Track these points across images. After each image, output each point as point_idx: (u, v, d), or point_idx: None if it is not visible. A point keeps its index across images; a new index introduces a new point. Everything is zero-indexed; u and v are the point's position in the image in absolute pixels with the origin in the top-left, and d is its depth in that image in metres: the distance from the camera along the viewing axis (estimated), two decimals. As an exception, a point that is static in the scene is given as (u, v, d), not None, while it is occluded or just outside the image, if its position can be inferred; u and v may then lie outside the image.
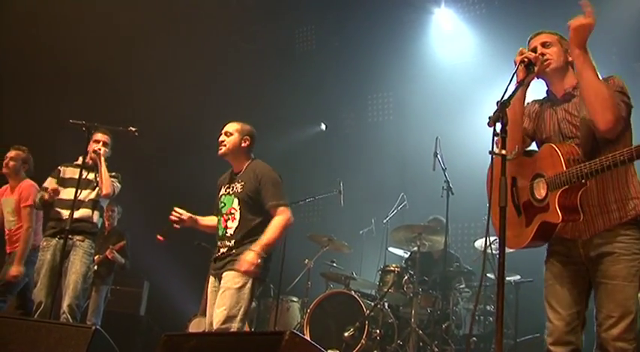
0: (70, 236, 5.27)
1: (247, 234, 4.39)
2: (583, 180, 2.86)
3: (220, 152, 4.58)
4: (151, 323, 8.55)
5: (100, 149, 5.58)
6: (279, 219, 4.36)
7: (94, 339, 3.24)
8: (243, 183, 4.49)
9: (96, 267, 6.92)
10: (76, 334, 3.32)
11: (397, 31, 9.55)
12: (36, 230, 6.17)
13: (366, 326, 6.33)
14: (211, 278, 4.53)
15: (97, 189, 5.59)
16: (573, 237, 3.04)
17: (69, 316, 5.21)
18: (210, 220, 4.70)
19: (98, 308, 7.01)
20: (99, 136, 5.65)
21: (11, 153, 6.25)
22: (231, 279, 4.25)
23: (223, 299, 4.21)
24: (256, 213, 4.44)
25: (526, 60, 3.07)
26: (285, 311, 7.62)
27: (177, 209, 4.53)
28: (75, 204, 5.26)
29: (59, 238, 5.35)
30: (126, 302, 8.35)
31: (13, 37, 8.72)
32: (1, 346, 3.38)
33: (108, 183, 5.53)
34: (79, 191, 5.31)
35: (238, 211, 4.45)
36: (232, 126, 4.63)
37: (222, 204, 4.56)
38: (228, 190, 4.58)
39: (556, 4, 7.81)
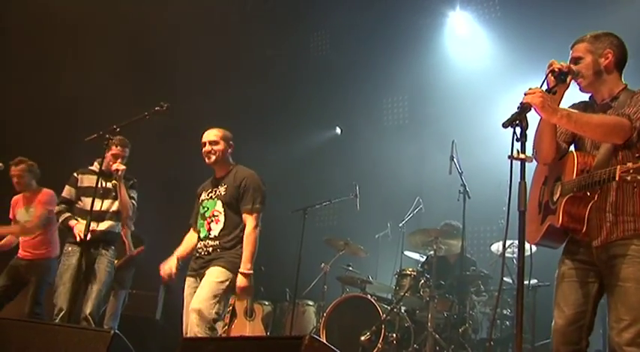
0: (96, 245, 5.42)
1: (232, 237, 4.50)
2: (588, 193, 2.91)
3: (211, 161, 4.68)
4: (166, 327, 8.56)
5: (118, 169, 5.43)
6: (249, 231, 4.47)
7: (113, 343, 3.26)
8: (226, 187, 4.60)
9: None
10: (95, 338, 3.34)
11: (412, 34, 9.54)
12: (53, 239, 6.32)
13: (383, 330, 6.32)
14: (189, 280, 4.56)
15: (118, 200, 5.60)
16: (587, 240, 3.03)
17: (91, 322, 5.29)
18: (187, 243, 4.78)
19: (116, 312, 7.04)
20: (117, 150, 5.54)
21: (15, 171, 6.31)
22: (214, 273, 4.35)
23: (202, 290, 4.30)
24: (240, 216, 4.56)
25: (556, 70, 3.03)
26: (301, 315, 7.63)
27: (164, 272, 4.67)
28: (97, 215, 5.30)
29: (85, 246, 5.30)
30: (142, 305, 8.36)
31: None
32: (22, 349, 3.41)
33: (128, 205, 5.55)
34: (100, 201, 5.32)
35: (222, 213, 4.55)
36: (216, 134, 4.71)
37: (205, 209, 4.64)
38: (210, 195, 4.67)
39: (572, 3, 7.80)
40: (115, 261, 6.73)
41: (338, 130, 10.72)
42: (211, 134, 4.71)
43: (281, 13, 10.09)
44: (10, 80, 8.54)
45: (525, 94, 2.89)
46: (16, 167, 6.30)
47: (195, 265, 4.55)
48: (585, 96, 3.27)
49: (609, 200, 2.96)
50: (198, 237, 4.62)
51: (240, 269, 4.35)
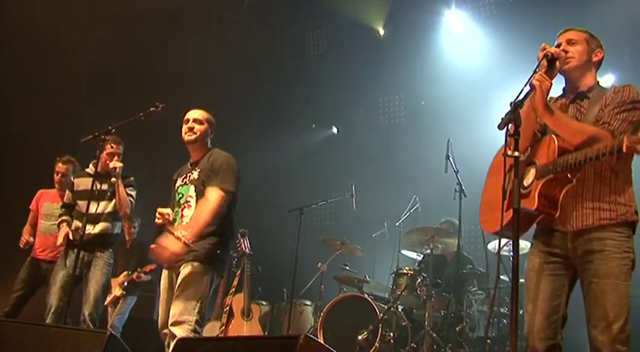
0: (91, 248, 5.43)
1: None
2: (569, 175, 2.89)
3: (190, 138, 4.45)
4: (164, 327, 8.56)
5: (115, 167, 5.42)
6: (210, 203, 4.14)
7: (109, 344, 3.26)
8: (200, 170, 4.37)
9: (126, 284, 7.16)
10: (92, 339, 3.33)
11: (407, 33, 9.56)
12: None
13: (380, 330, 6.31)
14: (165, 273, 4.41)
15: (114, 201, 5.56)
16: (562, 228, 3.03)
17: (89, 323, 5.31)
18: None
19: (122, 314, 7.13)
20: (112, 148, 5.50)
21: (62, 168, 6.41)
22: (189, 272, 4.13)
23: (181, 292, 4.11)
24: None
25: (549, 55, 3.04)
26: (298, 315, 7.63)
27: (160, 210, 4.39)
28: (93, 218, 5.30)
29: (80, 249, 5.20)
30: (140, 306, 8.34)
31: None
32: (18, 351, 3.40)
33: (125, 202, 5.50)
34: (96, 203, 5.29)
35: (194, 198, 4.32)
36: (201, 114, 4.53)
37: (180, 195, 4.42)
38: (184, 180, 4.46)
39: (567, 2, 7.81)
40: (123, 275, 6.85)
41: (334, 129, 10.73)
42: (197, 113, 4.53)
43: (277, 12, 10.09)
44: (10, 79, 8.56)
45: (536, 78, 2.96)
46: (64, 165, 6.39)
47: None
48: (556, 92, 3.29)
49: (586, 187, 2.96)
50: (173, 224, 4.34)
51: (184, 236, 4.01)
